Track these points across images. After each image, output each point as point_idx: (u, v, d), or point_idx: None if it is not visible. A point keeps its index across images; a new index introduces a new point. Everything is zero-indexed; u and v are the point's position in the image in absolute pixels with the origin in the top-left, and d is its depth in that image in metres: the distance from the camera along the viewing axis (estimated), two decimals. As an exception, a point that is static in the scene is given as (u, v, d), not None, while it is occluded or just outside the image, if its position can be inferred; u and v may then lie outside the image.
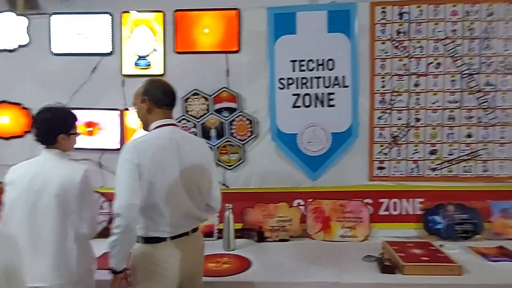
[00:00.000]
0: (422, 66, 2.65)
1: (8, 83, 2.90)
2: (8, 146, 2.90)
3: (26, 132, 2.87)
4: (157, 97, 1.83)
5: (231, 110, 2.76)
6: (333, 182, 2.74)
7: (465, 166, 2.69)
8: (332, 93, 2.70)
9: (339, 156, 2.72)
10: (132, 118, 2.71)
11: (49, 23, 2.83)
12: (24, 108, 2.87)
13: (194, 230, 1.87)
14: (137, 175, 1.68)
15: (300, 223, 2.73)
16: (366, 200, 2.71)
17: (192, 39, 2.78)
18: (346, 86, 2.69)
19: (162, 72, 2.78)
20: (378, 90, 2.69)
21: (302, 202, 2.77)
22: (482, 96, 2.64)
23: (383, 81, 2.68)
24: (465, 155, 2.68)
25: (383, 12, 2.65)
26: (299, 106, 2.73)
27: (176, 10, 2.77)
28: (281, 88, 2.73)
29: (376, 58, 2.67)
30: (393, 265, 2.15)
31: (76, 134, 1.97)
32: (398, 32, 2.65)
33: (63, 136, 1.88)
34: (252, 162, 2.78)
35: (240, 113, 2.76)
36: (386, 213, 2.73)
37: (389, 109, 2.69)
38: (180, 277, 1.79)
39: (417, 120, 2.68)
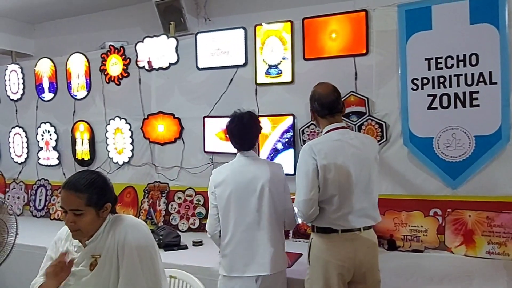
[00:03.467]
0: None
1: (163, 96, 3.42)
2: (163, 151, 3.43)
3: (176, 139, 3.34)
4: (316, 110, 2.03)
5: (359, 114, 2.71)
6: (478, 191, 2.44)
7: None
8: (476, 92, 2.41)
9: (485, 162, 2.41)
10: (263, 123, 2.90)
11: (195, 42, 3.23)
12: (175, 117, 3.35)
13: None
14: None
15: (437, 234, 2.51)
16: (520, 214, 2.35)
17: (320, 45, 2.83)
18: (494, 83, 2.37)
19: (291, 80, 2.90)
20: (537, 86, 2.30)
21: (439, 212, 2.54)
22: None
23: (544, 75, 2.28)
24: None
25: (543, -6, 2.26)
26: (435, 108, 2.51)
27: (305, 18, 2.85)
28: (414, 89, 2.55)
29: (533, 49, 2.29)
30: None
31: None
32: None
33: (257, 139, 2.14)
34: (383, 168, 2.63)
35: (369, 117, 2.68)
36: (548, 229, 2.31)
37: (552, 107, 2.27)
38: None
39: None
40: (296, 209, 2.02)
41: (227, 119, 2.12)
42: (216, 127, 3.16)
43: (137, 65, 3.48)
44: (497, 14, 2.35)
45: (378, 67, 2.67)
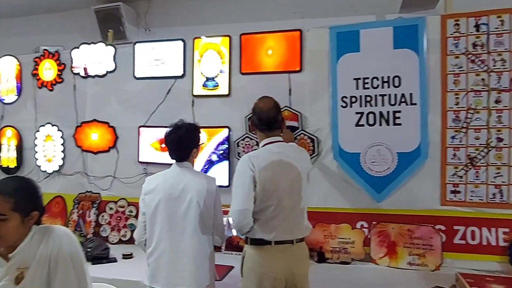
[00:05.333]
0: (504, 80, 2.39)
1: (98, 104, 3.30)
2: (96, 160, 3.30)
3: (110, 148, 3.23)
4: (255, 124, 2.07)
5: (292, 129, 2.77)
6: (400, 205, 2.58)
7: (560, 193, 2.33)
8: (399, 111, 2.56)
9: (407, 177, 2.55)
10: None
11: (133, 51, 3.18)
12: (110, 126, 3.24)
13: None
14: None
15: (363, 246, 2.61)
16: (438, 226, 2.49)
17: (256, 60, 2.89)
18: (414, 104, 2.53)
19: (227, 92, 2.93)
20: (451, 108, 2.48)
21: (365, 225, 2.64)
22: None
23: (457, 97, 2.47)
24: (560, 180, 2.33)
25: (456, 24, 2.46)
26: (362, 125, 2.64)
27: (242, 34, 2.91)
28: (344, 107, 2.67)
29: (448, 74, 2.49)
30: (465, 301, 1.94)
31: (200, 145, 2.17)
32: (475, 45, 2.43)
33: (195, 150, 2.09)
34: (313, 181, 2.73)
35: (302, 132, 2.76)
36: (463, 242, 2.47)
37: (464, 128, 2.46)
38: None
39: (499, 140, 2.40)
40: (230, 220, 2.01)
41: (164, 129, 2.09)
42: (151, 137, 3.10)
43: (72, 71, 3.35)
44: (417, 41, 2.53)
45: (311, 85, 2.77)
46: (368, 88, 2.63)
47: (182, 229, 1.96)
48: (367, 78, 2.63)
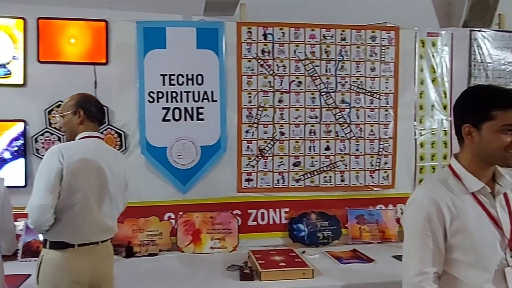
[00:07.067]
0: (285, 83, 2.84)
1: None
2: None
3: None
4: (91, 112, 2.01)
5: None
6: (203, 194, 2.78)
7: (325, 177, 2.90)
8: (202, 107, 2.76)
9: (209, 169, 2.78)
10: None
11: None
12: None
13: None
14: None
15: (171, 236, 2.72)
16: (235, 212, 2.79)
17: (57, 49, 2.68)
18: (215, 101, 2.77)
19: (22, 82, 2.63)
20: (245, 105, 2.81)
21: (172, 216, 2.76)
22: (339, 113, 2.90)
23: (250, 96, 2.81)
24: (325, 166, 2.90)
25: (249, 32, 2.80)
26: (169, 120, 2.74)
27: (40, 18, 2.66)
28: (151, 102, 2.73)
29: (243, 75, 2.80)
30: (252, 273, 2.23)
31: None
32: (263, 52, 2.81)
33: None
34: (122, 176, 2.72)
35: (109, 126, 2.70)
36: (254, 223, 2.83)
37: (255, 123, 2.82)
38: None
39: (282, 134, 2.85)
40: (29, 222, 1.82)
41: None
42: None
43: None
44: (217, 43, 2.77)
45: (117, 78, 2.73)
46: (174, 84, 2.75)
47: None
48: (173, 74, 2.74)
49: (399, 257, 2.47)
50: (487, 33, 3.07)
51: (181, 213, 2.74)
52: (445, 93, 3.03)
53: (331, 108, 2.88)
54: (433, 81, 3.01)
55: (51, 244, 1.83)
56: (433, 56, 3.00)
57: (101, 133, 2.66)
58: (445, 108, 3.03)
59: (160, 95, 2.74)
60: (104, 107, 2.64)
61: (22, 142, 2.63)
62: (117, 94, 2.73)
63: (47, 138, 2.65)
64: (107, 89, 2.71)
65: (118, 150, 2.67)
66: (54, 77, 2.65)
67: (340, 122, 2.90)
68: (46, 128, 2.65)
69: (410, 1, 3.19)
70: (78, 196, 1.83)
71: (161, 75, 2.73)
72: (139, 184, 2.72)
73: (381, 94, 2.93)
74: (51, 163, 1.81)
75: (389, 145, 2.96)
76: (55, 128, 2.66)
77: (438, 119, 3.03)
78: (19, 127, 2.63)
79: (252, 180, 2.83)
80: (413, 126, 3.01)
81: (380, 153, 2.95)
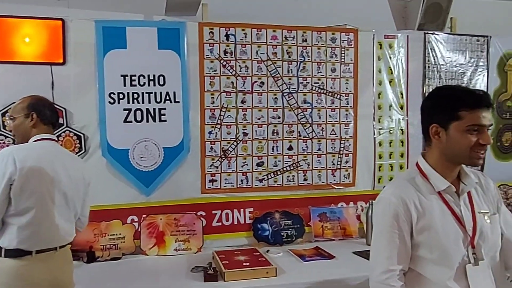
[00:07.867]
0: (248, 84, 2.86)
1: None
2: None
3: None
4: (45, 115, 1.97)
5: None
6: (167, 196, 2.76)
7: (288, 176, 2.95)
8: (164, 108, 2.73)
9: (172, 170, 2.76)
10: None
11: None
12: None
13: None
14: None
15: (134, 239, 2.68)
16: (199, 213, 2.79)
17: (10, 48, 2.56)
18: (177, 102, 2.75)
19: (-28, 83, 2.52)
20: (208, 106, 2.81)
21: (136, 219, 2.72)
22: (301, 113, 2.95)
23: (213, 97, 2.81)
24: (288, 166, 2.95)
25: (211, 32, 2.79)
26: (130, 121, 2.70)
27: (-10, 16, 2.55)
28: (112, 103, 2.67)
29: (205, 76, 2.80)
30: (215, 273, 2.24)
31: None
32: (225, 52, 2.81)
33: None
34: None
35: (67, 128, 2.62)
36: (219, 224, 2.84)
37: (219, 124, 2.83)
38: None
39: (245, 134, 2.87)
40: None
41: None
42: None
43: None
44: (178, 43, 2.74)
45: (76, 79, 2.65)
46: (135, 85, 2.70)
47: None
48: (134, 75, 2.70)
49: (359, 253, 2.58)
50: (440, 36, 3.22)
51: (144, 215, 2.71)
52: (401, 94, 3.15)
53: (293, 109, 2.93)
54: (390, 82, 3.13)
55: (6, 252, 1.76)
56: (390, 57, 3.12)
57: (59, 135, 2.61)
58: (402, 108, 3.16)
59: (121, 96, 2.68)
60: (61, 109, 2.60)
61: (-29, 145, 2.52)
62: (76, 95, 2.65)
63: (1, 141, 2.55)
64: (65, 90, 2.63)
65: (78, 152, 2.62)
66: (8, 78, 2.55)
67: (302, 122, 2.95)
68: (0, 131, 2.55)
69: (369, 4, 3.27)
70: (32, 200, 1.77)
71: (122, 75, 2.68)
72: (101, 187, 2.66)
73: (342, 94, 3.02)
74: (1, 166, 1.76)
75: (349, 144, 3.05)
76: (10, 130, 2.55)
77: (396, 118, 3.15)
78: (-32, 130, 2.52)
79: (216, 181, 2.83)
80: (372, 125, 3.11)
81: (341, 152, 3.03)
